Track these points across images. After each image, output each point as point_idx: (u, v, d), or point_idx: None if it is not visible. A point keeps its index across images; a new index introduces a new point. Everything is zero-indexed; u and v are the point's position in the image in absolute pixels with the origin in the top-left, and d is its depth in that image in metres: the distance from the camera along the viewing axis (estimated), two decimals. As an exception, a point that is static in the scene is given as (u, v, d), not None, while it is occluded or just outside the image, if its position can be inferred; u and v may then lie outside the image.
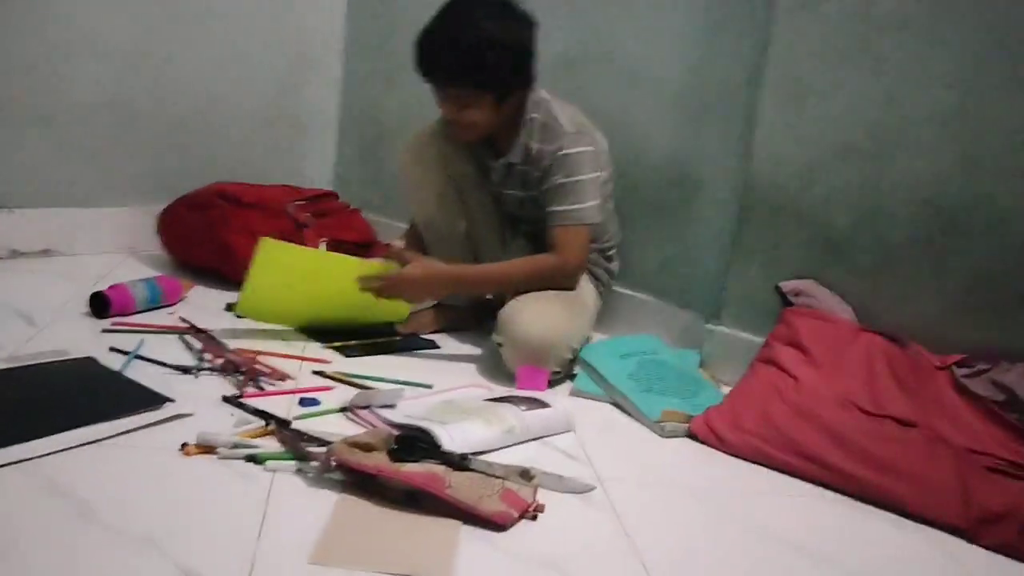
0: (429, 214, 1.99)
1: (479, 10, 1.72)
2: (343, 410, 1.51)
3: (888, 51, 1.68)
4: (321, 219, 2.31)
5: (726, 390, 1.79)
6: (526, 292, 1.80)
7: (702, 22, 2.00)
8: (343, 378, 1.66)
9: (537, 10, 1.84)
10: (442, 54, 1.72)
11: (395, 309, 1.89)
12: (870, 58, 1.70)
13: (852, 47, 1.71)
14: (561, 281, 1.83)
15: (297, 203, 2.31)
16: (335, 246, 2.25)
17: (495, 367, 1.82)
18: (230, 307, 1.98)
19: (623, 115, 2.10)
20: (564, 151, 1.81)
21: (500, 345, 1.78)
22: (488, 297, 2.06)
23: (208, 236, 2.17)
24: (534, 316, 1.75)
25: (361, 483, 1.23)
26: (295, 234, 2.23)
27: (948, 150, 1.63)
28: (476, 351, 1.96)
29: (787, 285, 1.80)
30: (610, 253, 2.04)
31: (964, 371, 1.57)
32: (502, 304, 1.85)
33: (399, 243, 2.09)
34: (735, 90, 1.94)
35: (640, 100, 2.10)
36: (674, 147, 2.07)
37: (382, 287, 1.76)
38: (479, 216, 2.00)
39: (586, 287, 1.94)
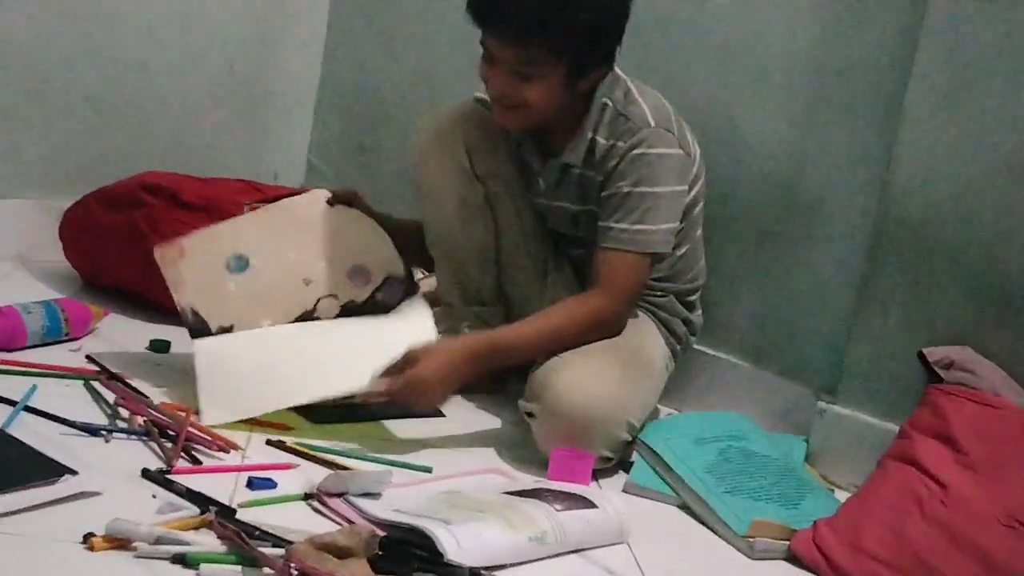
0: (445, 228, 2.00)
1: None
2: (308, 497, 1.50)
3: (1089, 32, 1.69)
4: (287, 228, 2.33)
5: (843, 496, 1.78)
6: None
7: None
8: (309, 452, 1.66)
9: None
10: None
11: None
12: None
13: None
14: (600, 329, 1.84)
15: (254, 205, 2.32)
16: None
17: (521, 446, 1.82)
18: (155, 345, 2.00)
19: (713, 105, 2.12)
20: (641, 150, 1.83)
21: (531, 416, 1.78)
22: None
23: (130, 246, 2.18)
24: (580, 378, 1.75)
25: (331, 602, 1.22)
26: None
27: None
28: (495, 423, 1.95)
29: (935, 353, 1.80)
30: (692, 298, 2.05)
31: None
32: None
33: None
34: (875, 76, 1.96)
35: (738, 85, 2.12)
36: (783, 153, 2.08)
37: (391, 398, 1.76)
38: (514, 236, 2.01)
39: (655, 342, 1.94)
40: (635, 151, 1.83)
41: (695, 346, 2.12)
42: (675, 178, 1.85)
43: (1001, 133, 1.77)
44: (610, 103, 1.87)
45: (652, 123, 1.84)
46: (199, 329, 1.84)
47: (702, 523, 1.69)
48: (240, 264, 1.89)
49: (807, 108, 2.05)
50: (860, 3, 1.98)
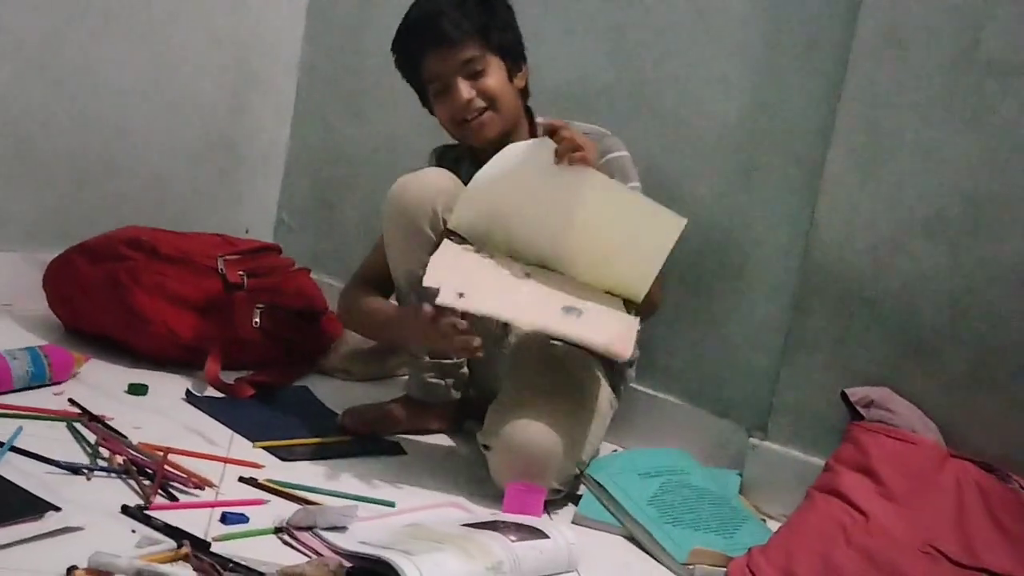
0: (411, 282, 1.97)
1: None
2: (278, 531, 1.50)
3: (994, 102, 1.73)
4: (257, 279, 2.32)
5: (774, 526, 1.79)
6: None
7: (762, 54, 2.06)
8: (279, 488, 1.65)
9: (552, 26, 1.90)
10: (446, 9, 1.87)
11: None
12: (970, 110, 1.75)
13: (948, 95, 1.77)
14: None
15: (228, 258, 2.32)
16: (273, 313, 2.27)
17: (477, 482, 1.81)
18: (133, 389, 1.98)
19: (656, 163, 2.14)
20: (615, 153, 1.90)
21: (487, 449, 1.78)
22: (470, 392, 2.07)
23: (111, 296, 2.17)
24: (535, 416, 1.76)
25: (301, 629, 1.22)
26: (223, 297, 2.24)
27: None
28: (453, 460, 1.95)
29: (856, 393, 1.82)
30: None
31: (1082, 514, 1.59)
32: (489, 398, 1.86)
33: None
34: (799, 140, 1.99)
35: (678, 145, 2.15)
36: (717, 208, 2.11)
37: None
38: None
39: (600, 382, 1.95)
40: (611, 155, 1.89)
41: (637, 387, 2.12)
42: (636, 175, 1.92)
43: (913, 194, 1.81)
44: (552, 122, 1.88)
45: (606, 131, 1.91)
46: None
47: (646, 552, 1.70)
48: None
49: (738, 172, 2.08)
50: (789, 74, 2.02)
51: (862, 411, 1.80)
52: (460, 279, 1.74)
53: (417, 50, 1.91)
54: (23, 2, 2.35)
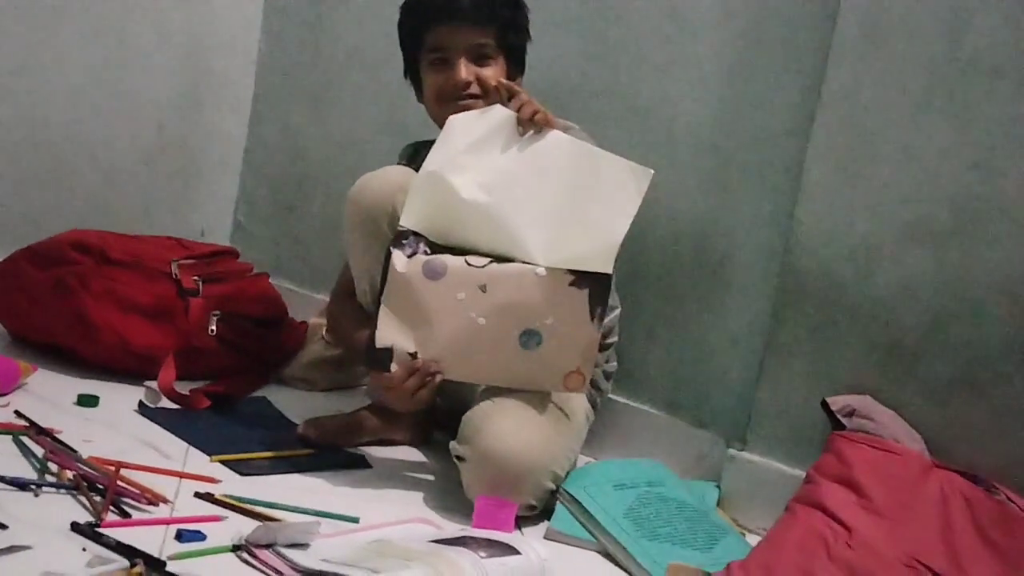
0: (372, 297, 1.96)
1: None
2: (236, 548, 1.48)
3: (977, 103, 1.74)
4: (213, 285, 2.31)
5: (753, 539, 1.79)
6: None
7: (739, 53, 2.07)
8: (237, 504, 1.64)
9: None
10: None
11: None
12: (953, 111, 1.76)
13: (930, 96, 1.78)
14: None
15: (182, 262, 2.30)
16: (230, 320, 2.25)
17: (446, 495, 1.81)
18: (83, 400, 1.96)
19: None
20: (574, 130, 1.89)
21: (460, 459, 1.78)
22: (437, 401, 2.06)
23: (58, 301, 2.15)
24: (512, 426, 1.76)
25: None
26: (177, 303, 2.22)
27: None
28: (420, 473, 1.95)
29: (837, 402, 1.83)
30: (608, 352, 2.06)
31: (1070, 526, 1.60)
32: (458, 408, 1.85)
33: (317, 320, 2.06)
34: (776, 142, 2.00)
35: (652, 148, 2.14)
36: (693, 215, 2.11)
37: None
38: None
39: (578, 396, 1.94)
40: (573, 130, 1.89)
41: (613, 396, 2.13)
42: None
43: (893, 198, 1.82)
44: None
45: (574, 125, 1.92)
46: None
47: (621, 568, 1.69)
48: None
49: (715, 174, 2.09)
50: (766, 74, 2.03)
51: (843, 420, 1.80)
52: (409, 328, 1.75)
53: (432, 17, 1.93)
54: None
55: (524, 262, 1.76)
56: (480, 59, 1.93)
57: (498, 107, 1.82)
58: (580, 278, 1.74)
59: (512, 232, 1.77)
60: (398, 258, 1.75)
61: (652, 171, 1.77)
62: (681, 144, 2.13)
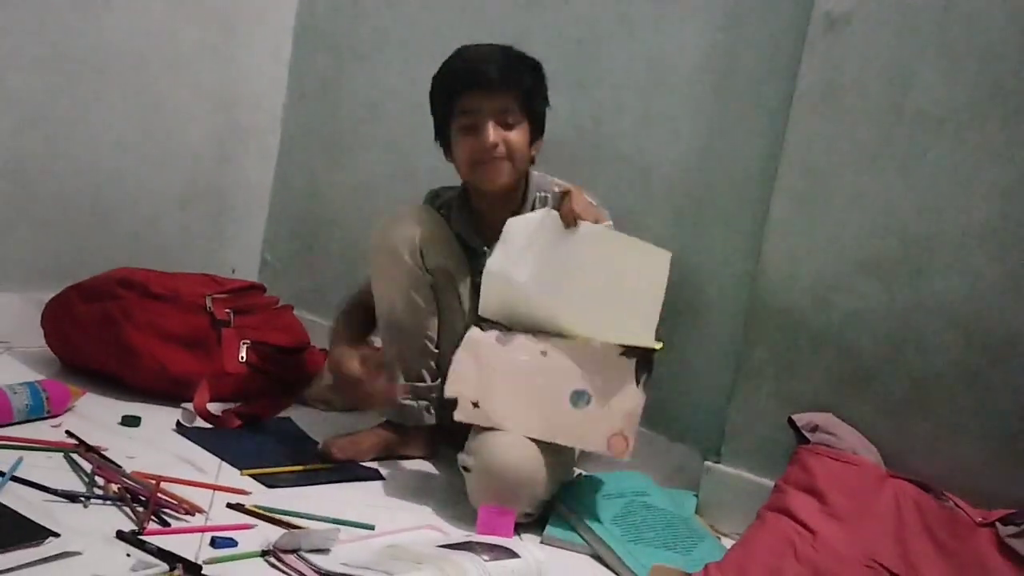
0: (394, 322, 2.00)
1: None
2: (265, 554, 1.49)
3: (922, 152, 1.76)
4: (243, 316, 2.32)
5: (728, 543, 1.80)
6: None
7: (709, 106, 2.09)
8: (265, 514, 1.64)
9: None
10: (496, 57, 1.91)
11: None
12: (900, 159, 1.78)
13: (880, 145, 1.80)
14: None
15: (215, 296, 2.31)
16: (259, 348, 2.26)
17: (452, 504, 1.81)
18: (127, 420, 1.97)
19: (614, 205, 2.14)
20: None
21: (466, 469, 1.78)
22: (443, 417, 2.06)
23: (105, 333, 2.16)
24: (513, 440, 1.76)
25: (288, 647, 1.21)
26: (211, 333, 2.23)
27: (992, 268, 1.70)
28: (429, 484, 1.95)
29: (802, 418, 1.83)
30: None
31: (1010, 529, 1.60)
32: (463, 423, 1.86)
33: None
34: (744, 186, 2.02)
35: (632, 190, 2.17)
36: (671, 247, 2.06)
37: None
38: (455, 316, 2.02)
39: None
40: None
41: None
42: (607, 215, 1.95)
43: (850, 236, 1.83)
44: (548, 195, 1.97)
45: (606, 210, 1.92)
46: None
47: (610, 569, 1.70)
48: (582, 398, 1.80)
49: (690, 214, 2.11)
50: (732, 125, 2.06)
51: (808, 435, 1.81)
52: (475, 383, 1.79)
53: (462, 84, 1.91)
54: (25, 62, 2.36)
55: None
56: (506, 124, 1.91)
57: (545, 209, 1.84)
58: (629, 349, 1.78)
59: (565, 314, 1.80)
60: (475, 331, 1.82)
61: (669, 253, 1.78)
62: (658, 187, 2.15)
